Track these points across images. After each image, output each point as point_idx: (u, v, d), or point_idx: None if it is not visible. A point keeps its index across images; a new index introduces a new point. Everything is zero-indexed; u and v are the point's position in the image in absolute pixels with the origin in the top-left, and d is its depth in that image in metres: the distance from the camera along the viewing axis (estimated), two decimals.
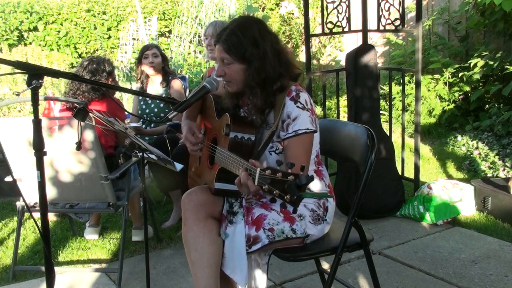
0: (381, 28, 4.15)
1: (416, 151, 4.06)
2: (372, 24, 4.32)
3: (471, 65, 5.61)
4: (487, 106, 5.78)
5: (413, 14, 5.48)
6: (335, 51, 8.07)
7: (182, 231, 2.12)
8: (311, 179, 1.49)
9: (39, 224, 1.78)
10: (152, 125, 4.11)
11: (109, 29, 10.08)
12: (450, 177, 4.63)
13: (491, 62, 5.37)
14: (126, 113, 3.70)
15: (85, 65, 3.49)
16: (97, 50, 9.81)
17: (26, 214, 3.69)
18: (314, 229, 2.13)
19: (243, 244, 2.02)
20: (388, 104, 4.86)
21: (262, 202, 2.12)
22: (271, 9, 8.87)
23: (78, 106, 2.08)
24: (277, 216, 2.07)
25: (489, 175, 4.55)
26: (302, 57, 7.39)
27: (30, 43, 9.70)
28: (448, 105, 6.03)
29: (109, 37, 10.08)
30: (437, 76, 6.12)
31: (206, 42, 3.69)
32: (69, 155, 2.93)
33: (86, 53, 9.72)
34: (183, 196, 2.13)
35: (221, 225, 2.08)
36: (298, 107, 2.05)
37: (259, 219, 2.05)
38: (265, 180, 1.56)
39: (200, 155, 2.31)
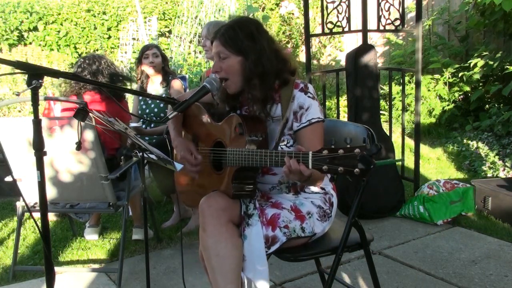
0: (381, 28, 4.15)
1: (416, 151, 4.06)
2: (372, 24, 4.32)
3: (471, 65, 5.61)
4: (487, 106, 5.78)
5: (413, 14, 5.48)
6: (335, 51, 8.07)
7: (201, 237, 2.05)
8: (380, 147, 1.52)
9: (39, 224, 1.78)
10: (152, 125, 4.11)
11: (109, 29, 10.08)
12: (450, 177, 4.63)
13: (491, 62, 5.38)
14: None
15: (92, 66, 3.47)
16: (97, 50, 9.81)
17: (26, 214, 3.69)
18: (321, 226, 2.14)
19: (262, 246, 2.00)
20: (388, 104, 4.86)
21: (271, 202, 2.12)
22: (271, 9, 8.87)
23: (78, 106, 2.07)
24: (288, 214, 2.08)
25: (489, 175, 4.55)
26: (302, 57, 7.39)
27: (30, 43, 9.71)
28: (448, 105, 6.03)
29: (109, 37, 10.08)
30: (437, 76, 6.12)
31: (202, 43, 3.71)
32: (69, 155, 2.93)
33: (86, 53, 9.73)
34: (201, 201, 2.07)
35: (241, 227, 2.06)
36: (309, 97, 2.08)
37: (273, 218, 2.05)
38: (322, 161, 1.58)
39: (196, 176, 2.28)
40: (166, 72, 4.17)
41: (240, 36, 2.06)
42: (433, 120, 6.14)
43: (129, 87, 3.78)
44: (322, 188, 2.19)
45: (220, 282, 1.98)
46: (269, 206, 2.09)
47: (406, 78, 5.88)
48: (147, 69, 4.10)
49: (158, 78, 4.15)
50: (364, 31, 4.19)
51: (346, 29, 4.22)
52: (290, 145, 2.11)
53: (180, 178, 2.45)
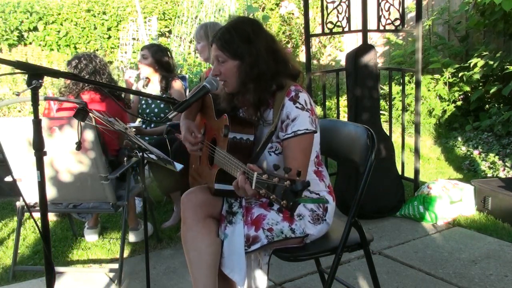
0: (381, 28, 4.15)
1: (416, 151, 4.06)
2: (372, 24, 4.32)
3: (471, 65, 5.60)
4: (487, 106, 5.77)
5: (413, 14, 5.48)
6: (335, 51, 8.07)
7: (181, 230, 2.13)
8: (306, 185, 1.48)
9: (39, 224, 1.78)
10: (152, 125, 4.11)
11: (109, 29, 10.08)
12: (450, 177, 4.63)
13: (491, 62, 5.37)
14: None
15: (89, 66, 3.47)
16: (97, 50, 9.81)
17: (26, 214, 3.69)
18: (314, 228, 2.13)
19: (242, 244, 2.02)
20: (388, 104, 4.86)
21: (261, 201, 2.12)
22: (271, 9, 8.86)
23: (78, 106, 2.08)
24: (276, 215, 2.07)
25: (489, 175, 4.55)
26: (302, 57, 7.39)
27: (30, 43, 9.71)
28: (448, 105, 6.03)
29: (109, 37, 10.08)
30: (437, 76, 6.11)
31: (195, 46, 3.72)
32: (69, 155, 2.93)
33: None
34: (183, 195, 2.14)
35: (220, 225, 2.08)
36: (297, 107, 2.04)
37: (258, 219, 2.05)
38: (262, 185, 1.57)
39: (200, 154, 2.31)
40: (163, 75, 4.11)
41: (235, 40, 2.06)
42: (433, 120, 6.14)
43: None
44: (317, 194, 2.19)
45: (198, 276, 2.06)
46: (257, 206, 2.10)
47: (406, 78, 5.88)
48: (141, 70, 4.14)
49: (156, 78, 4.14)
50: (364, 31, 4.19)
51: (346, 29, 4.22)
52: (279, 153, 2.10)
53: (191, 161, 2.48)
